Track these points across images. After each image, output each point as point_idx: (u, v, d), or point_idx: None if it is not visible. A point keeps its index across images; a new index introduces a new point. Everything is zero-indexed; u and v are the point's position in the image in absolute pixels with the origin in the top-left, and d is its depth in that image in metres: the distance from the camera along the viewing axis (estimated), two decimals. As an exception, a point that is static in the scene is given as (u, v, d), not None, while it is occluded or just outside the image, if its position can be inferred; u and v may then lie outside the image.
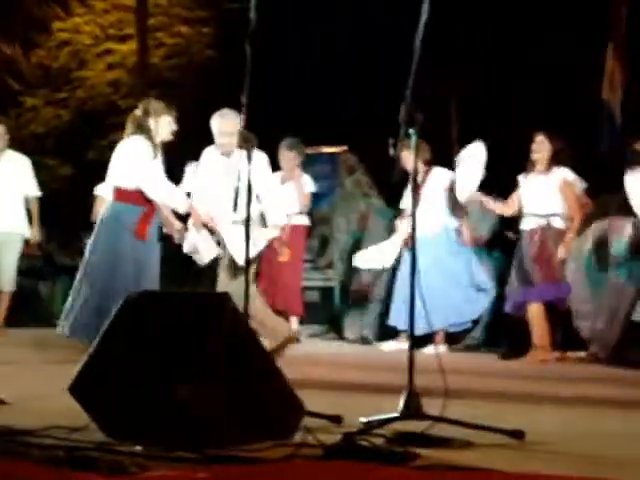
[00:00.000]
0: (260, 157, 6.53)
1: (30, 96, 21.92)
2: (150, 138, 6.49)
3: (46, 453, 2.72)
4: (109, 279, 6.32)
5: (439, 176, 8.19)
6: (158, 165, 6.55)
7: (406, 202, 8.10)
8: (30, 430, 3.09)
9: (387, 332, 8.52)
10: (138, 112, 6.60)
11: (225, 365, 3.13)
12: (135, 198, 6.45)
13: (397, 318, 8.09)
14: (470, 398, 4.70)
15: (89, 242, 6.67)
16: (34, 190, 9.18)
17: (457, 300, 8.08)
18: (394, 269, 8.49)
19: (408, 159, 3.98)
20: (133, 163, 6.43)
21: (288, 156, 8.57)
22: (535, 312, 7.52)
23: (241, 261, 8.09)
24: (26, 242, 9.23)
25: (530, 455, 3.21)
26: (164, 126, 6.60)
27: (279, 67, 16.53)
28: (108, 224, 6.48)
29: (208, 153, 6.97)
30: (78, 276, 6.61)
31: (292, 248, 8.22)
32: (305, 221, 8.76)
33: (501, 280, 8.26)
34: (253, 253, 7.73)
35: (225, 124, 6.72)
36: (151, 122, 6.53)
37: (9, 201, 9.00)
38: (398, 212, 8.66)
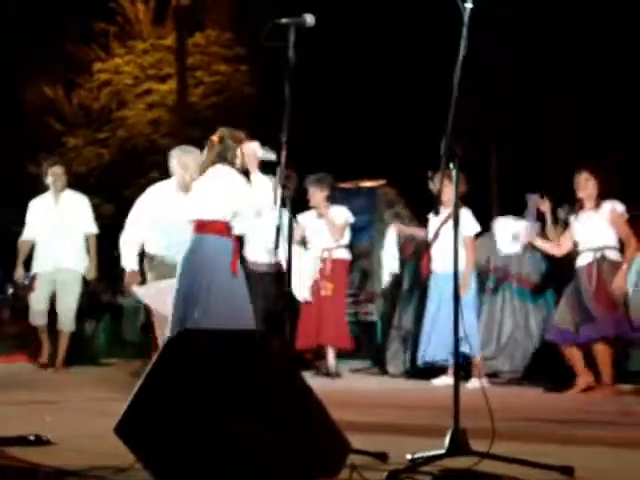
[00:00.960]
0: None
1: (72, 136, 22.21)
2: (234, 166, 6.10)
3: (93, 494, 2.72)
4: (203, 315, 5.74)
5: (464, 220, 8.08)
6: None
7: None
8: (76, 470, 3.09)
9: (430, 367, 8.46)
10: (215, 139, 6.27)
11: (269, 403, 3.12)
12: (222, 230, 5.97)
13: (433, 353, 8.01)
14: (517, 433, 4.64)
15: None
16: (92, 228, 9.41)
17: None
18: (422, 304, 8.46)
19: (448, 192, 3.95)
20: (229, 193, 5.92)
21: (314, 192, 8.56)
22: (600, 351, 7.41)
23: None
24: (83, 279, 9.45)
25: (579, 492, 3.17)
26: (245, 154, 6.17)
27: (318, 103, 16.62)
28: (203, 259, 5.92)
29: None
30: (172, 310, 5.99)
31: (334, 282, 8.22)
32: (346, 255, 8.74)
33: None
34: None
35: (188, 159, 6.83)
36: (231, 150, 6.16)
37: (69, 240, 9.22)
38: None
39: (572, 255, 7.80)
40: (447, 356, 7.76)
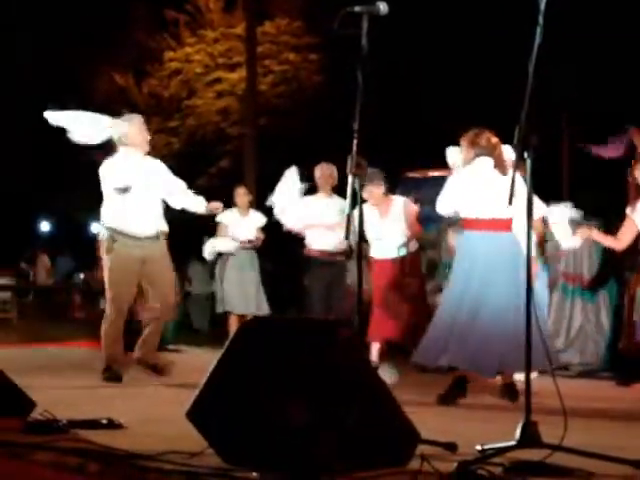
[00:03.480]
0: None
1: (142, 124, 22.48)
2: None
3: (165, 478, 2.75)
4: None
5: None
6: None
7: None
8: (149, 455, 3.12)
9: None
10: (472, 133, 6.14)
11: (338, 391, 3.12)
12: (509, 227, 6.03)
13: None
14: (589, 426, 4.58)
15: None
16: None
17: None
18: None
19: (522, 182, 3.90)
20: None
21: (370, 190, 8.21)
22: None
23: None
24: None
25: (654, 486, 3.12)
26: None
27: (387, 91, 16.56)
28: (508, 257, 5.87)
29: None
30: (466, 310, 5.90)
31: (416, 277, 8.07)
32: (416, 246, 8.62)
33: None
34: None
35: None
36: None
37: None
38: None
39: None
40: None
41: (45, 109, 6.99)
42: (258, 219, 10.21)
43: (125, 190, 6.94)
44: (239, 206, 10.22)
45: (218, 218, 10.12)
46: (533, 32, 3.57)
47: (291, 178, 8.58)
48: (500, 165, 6.01)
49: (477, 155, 6.03)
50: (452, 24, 17.78)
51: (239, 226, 10.13)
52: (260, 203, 10.28)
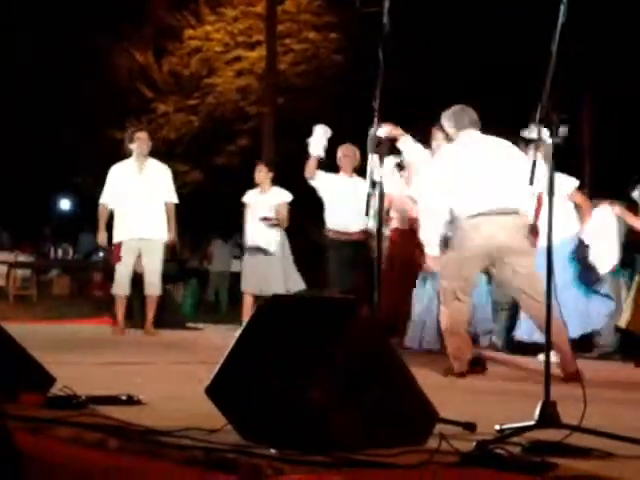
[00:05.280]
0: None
1: (162, 103, 22.45)
2: None
3: (184, 454, 2.75)
4: None
5: (561, 183, 7.96)
6: None
7: None
8: (169, 431, 3.14)
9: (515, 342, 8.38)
10: None
11: (357, 369, 3.12)
12: None
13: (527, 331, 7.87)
14: (608, 407, 4.57)
15: None
16: (173, 197, 9.55)
17: (586, 308, 7.88)
18: None
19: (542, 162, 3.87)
20: None
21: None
22: None
23: None
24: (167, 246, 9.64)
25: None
26: None
27: (406, 69, 16.50)
28: None
29: None
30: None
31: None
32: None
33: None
34: None
35: None
36: None
37: (152, 209, 9.37)
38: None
39: None
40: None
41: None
42: (280, 196, 10.16)
43: None
44: (260, 183, 10.21)
45: (243, 198, 10.19)
46: (557, 11, 3.54)
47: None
48: None
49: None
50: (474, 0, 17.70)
51: (258, 204, 10.13)
52: (278, 181, 10.28)
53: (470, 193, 5.98)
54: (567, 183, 7.91)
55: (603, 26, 14.85)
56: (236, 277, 18.25)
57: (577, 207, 8.07)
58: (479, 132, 6.27)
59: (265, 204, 10.06)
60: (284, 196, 10.07)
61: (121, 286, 9.47)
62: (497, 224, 5.91)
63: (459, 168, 6.07)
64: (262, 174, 10.23)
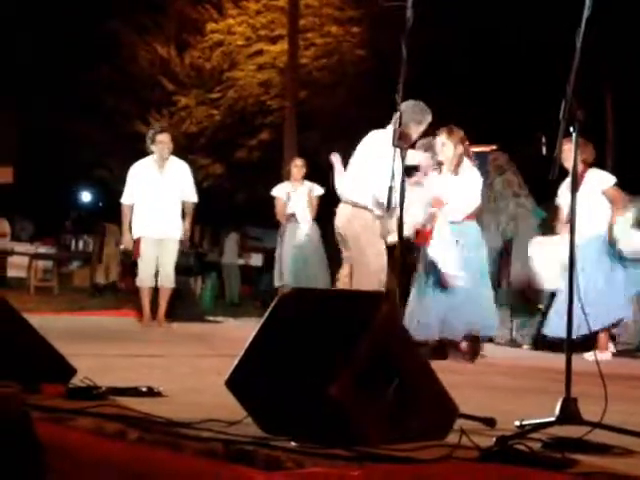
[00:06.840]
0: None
1: (183, 96, 22.47)
2: None
3: (204, 446, 2.76)
4: None
5: (596, 178, 7.92)
6: None
7: (563, 200, 7.90)
8: (188, 422, 3.14)
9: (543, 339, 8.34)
10: None
11: (378, 363, 3.12)
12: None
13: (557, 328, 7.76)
14: (630, 404, 4.55)
15: None
16: (193, 197, 9.57)
17: (615, 301, 7.81)
18: None
19: (568, 158, 3.84)
20: None
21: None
22: None
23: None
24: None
25: (695, 465, 3.08)
26: None
27: (428, 65, 16.46)
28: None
29: None
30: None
31: None
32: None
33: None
34: None
35: None
36: None
37: (169, 208, 9.39)
38: (550, 211, 8.49)
39: None
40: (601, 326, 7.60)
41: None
42: (314, 190, 10.20)
43: None
44: (292, 178, 10.25)
45: (273, 192, 10.22)
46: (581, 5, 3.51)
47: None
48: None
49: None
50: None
51: (289, 199, 10.16)
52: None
53: None
54: (603, 179, 7.90)
55: (625, 17, 14.75)
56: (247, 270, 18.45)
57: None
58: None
59: (294, 199, 10.10)
60: (317, 190, 10.16)
61: (145, 279, 9.50)
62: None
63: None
64: (297, 169, 10.28)
